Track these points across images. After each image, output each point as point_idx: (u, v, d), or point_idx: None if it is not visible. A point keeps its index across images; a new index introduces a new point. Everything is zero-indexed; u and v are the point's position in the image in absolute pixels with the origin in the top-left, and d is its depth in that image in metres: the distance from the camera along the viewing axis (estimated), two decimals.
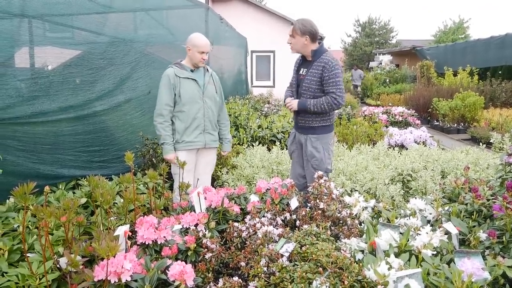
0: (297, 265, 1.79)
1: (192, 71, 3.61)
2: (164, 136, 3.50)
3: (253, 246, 2.04)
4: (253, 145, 6.11)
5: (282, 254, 1.91)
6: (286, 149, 6.21)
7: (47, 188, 2.04)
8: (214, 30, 8.27)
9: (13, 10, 3.00)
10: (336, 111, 3.73)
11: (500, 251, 2.02)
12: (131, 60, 4.43)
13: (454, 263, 1.84)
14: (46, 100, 3.35)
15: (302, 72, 3.65)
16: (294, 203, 2.57)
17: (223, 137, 3.94)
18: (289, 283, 1.67)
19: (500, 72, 14.76)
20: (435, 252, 2.00)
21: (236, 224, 2.27)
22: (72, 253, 1.80)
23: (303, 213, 2.45)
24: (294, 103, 3.59)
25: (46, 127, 3.42)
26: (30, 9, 3.17)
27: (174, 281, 1.70)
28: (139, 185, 3.74)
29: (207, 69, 3.74)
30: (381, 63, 25.34)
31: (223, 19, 9.37)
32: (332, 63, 3.45)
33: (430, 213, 2.55)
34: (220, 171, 4.93)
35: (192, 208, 2.58)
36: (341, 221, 2.44)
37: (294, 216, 2.49)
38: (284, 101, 3.79)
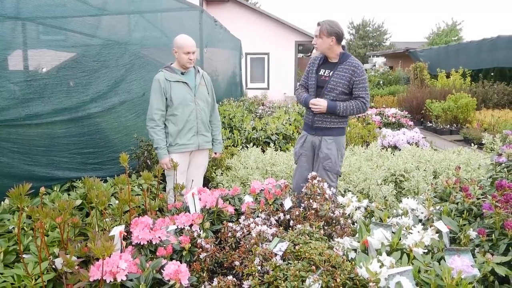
0: (291, 263, 1.81)
1: (182, 73, 3.61)
2: (157, 141, 3.50)
3: (247, 246, 2.06)
4: (247, 147, 6.14)
5: (275, 253, 1.93)
6: (281, 150, 6.28)
7: (42, 189, 2.05)
8: (208, 32, 8.29)
9: (6, 12, 3.00)
10: None
11: (489, 248, 2.05)
12: (125, 62, 4.44)
13: (445, 260, 1.87)
14: (40, 102, 3.35)
15: (324, 73, 3.59)
16: (287, 203, 2.59)
17: (214, 138, 3.92)
18: (282, 281, 1.69)
19: (492, 74, 14.91)
20: (426, 250, 2.03)
21: (230, 224, 2.30)
22: (67, 254, 1.81)
23: (297, 213, 2.47)
24: (323, 104, 3.47)
25: (41, 129, 3.43)
26: (24, 12, 3.18)
27: (169, 280, 1.72)
28: (134, 186, 3.75)
29: (198, 70, 3.74)
30: (375, 65, 25.47)
31: (217, 21, 9.40)
32: (362, 68, 3.47)
33: (422, 213, 2.59)
34: (215, 173, 4.95)
35: (186, 209, 2.60)
36: (334, 221, 2.46)
37: (287, 216, 2.51)
38: (302, 100, 3.65)
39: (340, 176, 3.72)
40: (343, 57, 3.53)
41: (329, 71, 3.57)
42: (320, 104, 3.49)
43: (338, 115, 3.51)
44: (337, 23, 3.52)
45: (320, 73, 3.63)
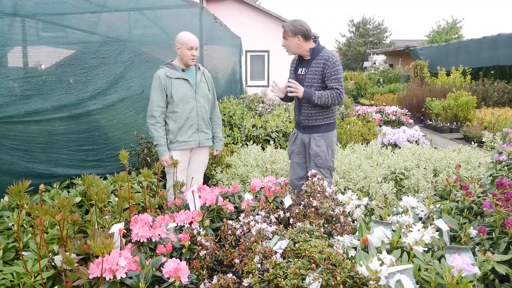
0: (291, 261, 1.81)
1: (183, 70, 3.60)
2: (157, 137, 3.50)
3: (247, 244, 2.06)
4: (247, 144, 6.13)
5: (275, 251, 1.92)
6: (281, 148, 6.27)
7: (42, 186, 2.04)
8: (208, 29, 8.28)
9: (4, 8, 2.99)
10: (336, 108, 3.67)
11: (489, 247, 2.05)
12: (125, 59, 4.43)
13: (445, 259, 1.87)
14: (39, 99, 3.35)
15: (301, 71, 3.62)
16: (287, 201, 2.59)
17: (215, 135, 3.92)
18: (282, 279, 1.69)
19: (492, 72, 14.90)
20: (426, 249, 2.03)
21: (230, 222, 2.29)
22: (67, 251, 1.81)
23: (297, 211, 2.47)
24: (300, 89, 3.43)
25: (40, 126, 3.42)
26: (23, 8, 3.16)
27: (168, 278, 1.72)
28: (134, 184, 3.74)
29: (199, 67, 3.73)
30: (375, 63, 25.44)
31: (217, 18, 9.37)
32: (333, 59, 3.44)
33: (422, 211, 2.59)
34: (215, 170, 4.94)
35: (186, 207, 2.59)
36: (334, 219, 2.46)
37: (287, 214, 2.51)
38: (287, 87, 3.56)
39: (333, 170, 3.72)
40: (314, 52, 3.52)
41: (305, 69, 3.59)
42: (297, 88, 3.42)
43: (314, 103, 3.44)
44: (301, 21, 3.51)
45: (298, 73, 3.67)
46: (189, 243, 2.07)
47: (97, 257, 1.72)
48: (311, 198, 2.54)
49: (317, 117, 3.57)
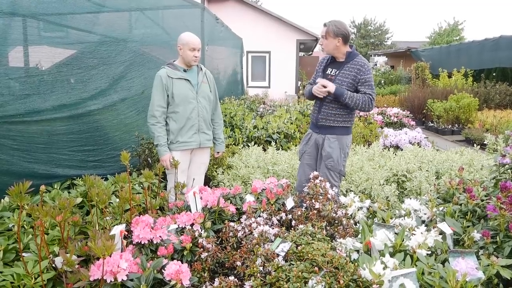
0: (293, 264, 1.79)
1: (185, 71, 3.60)
2: (158, 137, 3.48)
3: (249, 246, 2.04)
4: (248, 146, 6.12)
5: (278, 254, 1.91)
6: (282, 149, 6.26)
7: (42, 187, 2.03)
8: (209, 30, 8.26)
9: (2, 8, 2.97)
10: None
11: (494, 251, 2.03)
12: (125, 59, 4.41)
13: (449, 262, 1.85)
14: (39, 99, 3.34)
15: (331, 72, 3.62)
16: (289, 203, 2.57)
17: (217, 136, 3.91)
18: (284, 282, 1.68)
19: (494, 74, 14.89)
20: (429, 252, 2.01)
21: (231, 224, 2.28)
22: (67, 253, 1.79)
23: (299, 213, 2.45)
24: (331, 85, 3.45)
25: (40, 126, 3.40)
26: (22, 8, 3.15)
27: (170, 281, 1.70)
28: (135, 185, 3.73)
29: (201, 68, 3.72)
30: (376, 64, 25.42)
31: (219, 19, 9.36)
32: (368, 66, 3.47)
33: (425, 214, 2.57)
34: (216, 171, 4.93)
35: (187, 208, 2.58)
36: (336, 221, 2.44)
37: (289, 216, 2.49)
38: (307, 92, 3.68)
39: (344, 176, 3.71)
40: (350, 56, 3.54)
41: (336, 70, 3.59)
42: (328, 84, 3.45)
43: (345, 101, 3.44)
44: (343, 23, 3.52)
45: (327, 72, 3.66)
46: (191, 245, 2.06)
47: (98, 259, 1.70)
48: (313, 200, 2.52)
49: (336, 118, 3.55)
